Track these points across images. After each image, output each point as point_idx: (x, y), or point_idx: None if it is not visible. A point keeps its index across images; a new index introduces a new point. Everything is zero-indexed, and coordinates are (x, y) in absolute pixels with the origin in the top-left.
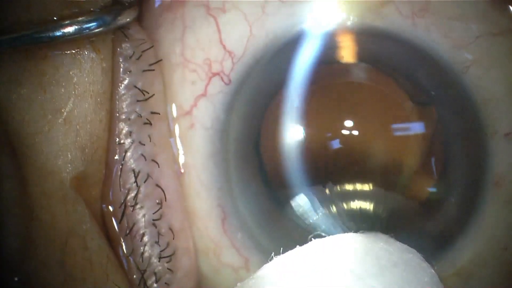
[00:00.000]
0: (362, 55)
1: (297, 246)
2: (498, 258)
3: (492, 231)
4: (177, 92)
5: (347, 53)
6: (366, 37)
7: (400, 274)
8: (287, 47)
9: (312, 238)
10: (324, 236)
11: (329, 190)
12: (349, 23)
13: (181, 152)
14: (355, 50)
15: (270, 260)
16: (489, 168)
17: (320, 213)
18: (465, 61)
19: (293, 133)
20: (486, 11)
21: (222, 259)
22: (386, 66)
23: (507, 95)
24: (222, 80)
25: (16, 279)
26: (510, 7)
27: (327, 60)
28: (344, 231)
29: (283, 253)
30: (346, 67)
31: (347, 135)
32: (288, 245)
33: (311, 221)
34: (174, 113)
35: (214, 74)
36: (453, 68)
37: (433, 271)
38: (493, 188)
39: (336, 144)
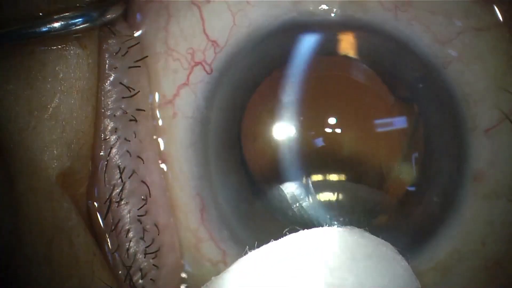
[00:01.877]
0: (345, 48)
1: (272, 239)
2: (476, 253)
3: (470, 226)
4: (160, 81)
5: (330, 45)
6: (348, 29)
7: (374, 267)
8: (269, 38)
9: (288, 232)
10: (300, 230)
11: (308, 184)
12: (332, 15)
13: (163, 141)
14: (338, 43)
15: (245, 254)
16: (469, 163)
17: (298, 207)
18: (446, 56)
19: (274, 125)
20: (470, 6)
21: (202, 252)
22: (368, 59)
23: (488, 91)
24: (204, 69)
25: (2, 275)
26: (495, 6)
27: (309, 52)
28: (320, 226)
29: (258, 246)
30: (329, 59)
31: (328, 128)
32: (264, 238)
33: (288, 214)
34: (157, 102)
35: (197, 63)
36: (434, 63)
37: (407, 264)
38: (472, 183)
39: (316, 137)
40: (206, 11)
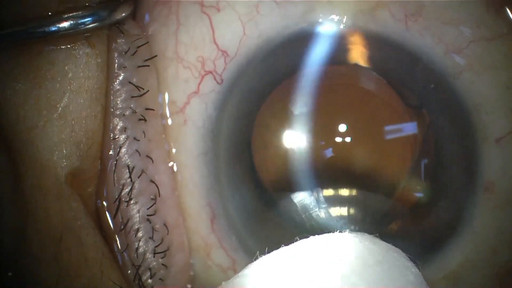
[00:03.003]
0: (355, 58)
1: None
2: (488, 262)
3: (482, 235)
4: (170, 88)
5: (340, 55)
6: (359, 39)
7: (384, 273)
8: (280, 49)
9: (298, 238)
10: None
11: (318, 193)
12: (342, 25)
13: (173, 149)
14: (348, 53)
15: (256, 260)
16: (480, 172)
17: (308, 216)
18: (457, 66)
19: (285, 135)
20: (480, 16)
21: (212, 258)
22: (379, 69)
23: (499, 100)
24: (215, 79)
25: (10, 274)
26: (508, 10)
27: (320, 62)
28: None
29: (268, 253)
30: (339, 69)
31: (338, 137)
32: (275, 247)
33: (298, 223)
34: (168, 110)
35: (207, 73)
36: (445, 73)
37: (417, 270)
38: (484, 192)
39: (327, 147)
40: (216, 21)
